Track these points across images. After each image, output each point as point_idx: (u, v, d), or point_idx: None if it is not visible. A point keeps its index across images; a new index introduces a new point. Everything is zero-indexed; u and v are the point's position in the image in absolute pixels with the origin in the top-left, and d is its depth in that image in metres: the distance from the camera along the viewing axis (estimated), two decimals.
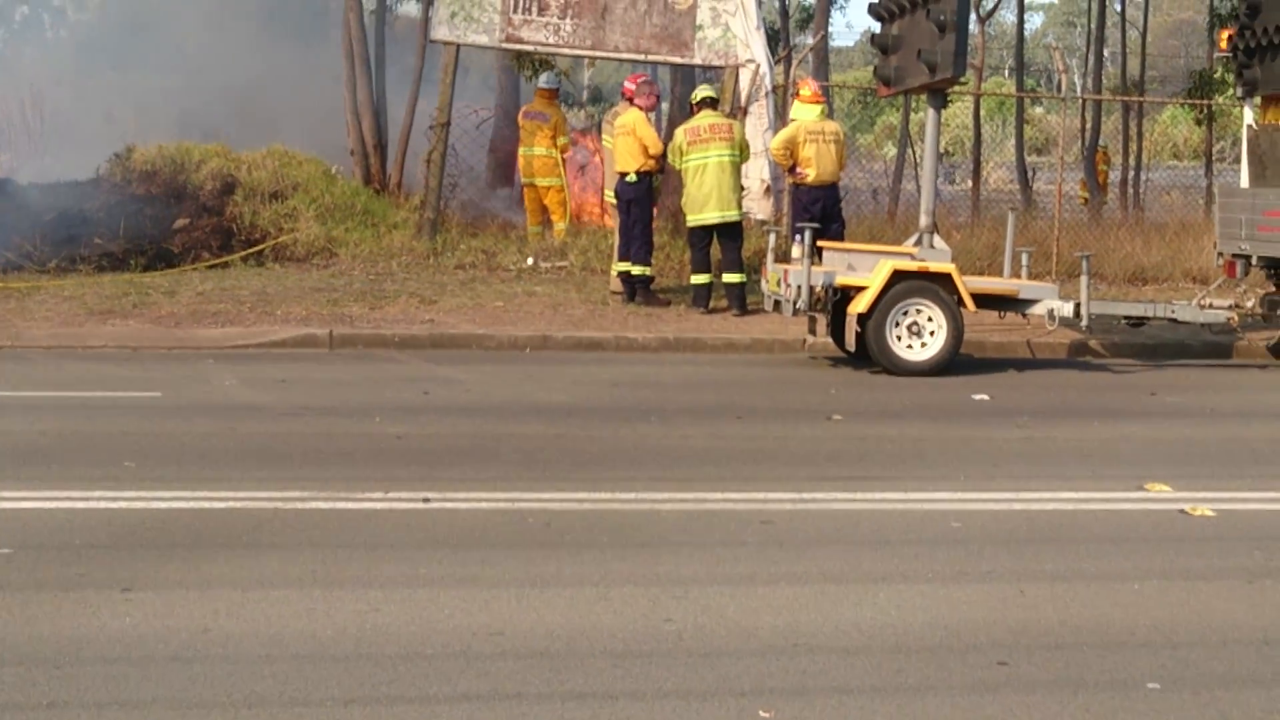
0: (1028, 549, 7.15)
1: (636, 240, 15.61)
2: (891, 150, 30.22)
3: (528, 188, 19.31)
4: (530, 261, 17.93)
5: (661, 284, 16.47)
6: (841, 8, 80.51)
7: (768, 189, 17.28)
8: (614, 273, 16.16)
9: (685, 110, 17.22)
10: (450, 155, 19.47)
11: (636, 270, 15.66)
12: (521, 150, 19.40)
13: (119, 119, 25.27)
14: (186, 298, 15.22)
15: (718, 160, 15.12)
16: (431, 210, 18.55)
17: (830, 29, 40.12)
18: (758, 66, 17.74)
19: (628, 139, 15.52)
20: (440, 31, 18.01)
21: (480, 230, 19.43)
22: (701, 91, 15.92)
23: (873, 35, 14.44)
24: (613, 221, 16.70)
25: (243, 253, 17.93)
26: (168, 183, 19.29)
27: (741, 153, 15.45)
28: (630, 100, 16.05)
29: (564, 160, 19.33)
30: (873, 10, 14.14)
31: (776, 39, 31.27)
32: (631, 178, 15.49)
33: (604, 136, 16.98)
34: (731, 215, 15.29)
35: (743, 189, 15.83)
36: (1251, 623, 6.14)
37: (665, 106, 24.93)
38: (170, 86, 26.62)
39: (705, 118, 15.35)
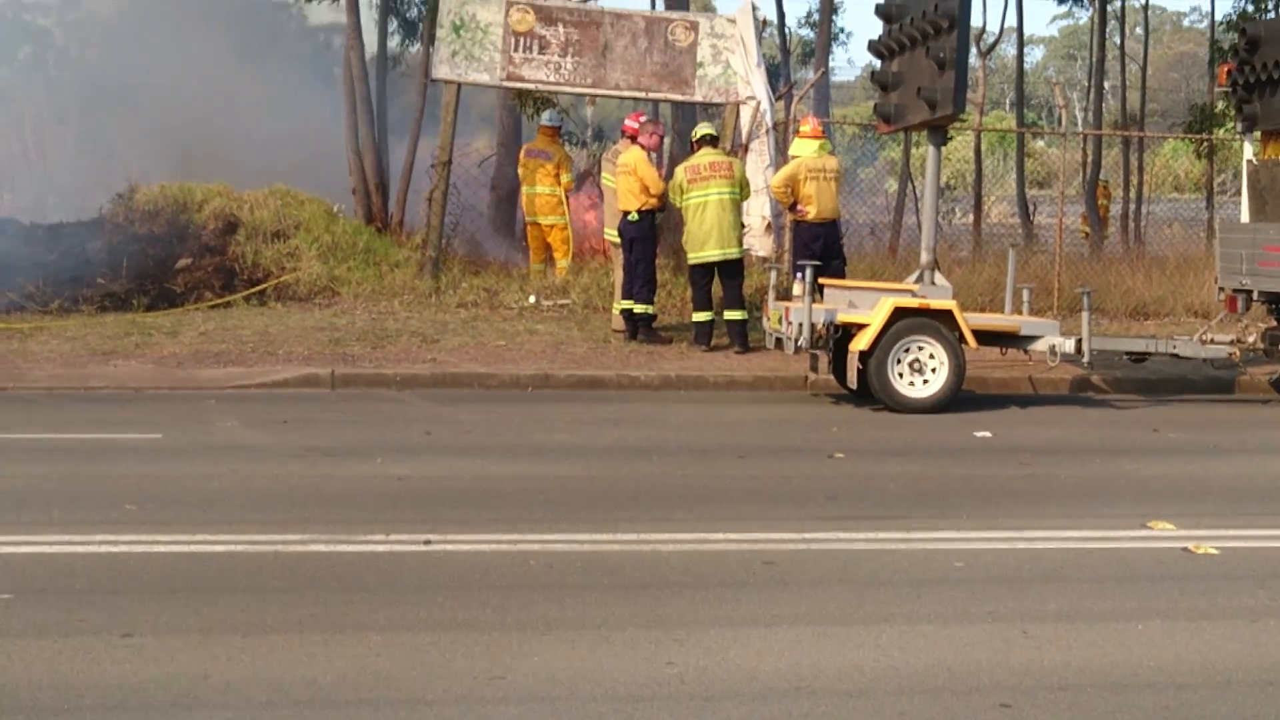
0: (1031, 589, 7.13)
1: (639, 279, 15.64)
2: (894, 184, 30.24)
3: (531, 226, 19.28)
4: (532, 300, 17.96)
5: (663, 321, 16.48)
6: (843, 44, 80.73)
7: (769, 226, 17.29)
8: (616, 310, 16.18)
9: (686, 147, 17.25)
10: (452, 194, 19.51)
11: (639, 308, 15.68)
12: (524, 189, 19.41)
13: (122, 158, 25.35)
14: (189, 338, 15.25)
15: (718, 198, 15.15)
16: (433, 249, 18.58)
17: (832, 64, 40.21)
18: (758, 103, 17.79)
19: (629, 178, 15.56)
20: (441, 70, 18.07)
21: (482, 268, 19.46)
22: (701, 129, 15.96)
23: (873, 72, 14.48)
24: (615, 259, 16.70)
25: (245, 292, 17.96)
26: (170, 222, 19.34)
27: (742, 190, 15.48)
28: (633, 139, 16.08)
29: (568, 197, 19.29)
30: (872, 47, 14.18)
31: (777, 75, 31.35)
32: (633, 216, 15.55)
33: (604, 175, 17.00)
34: (732, 253, 15.31)
35: (744, 226, 15.86)
36: (1255, 663, 6.12)
37: (666, 142, 25.00)
38: (172, 125, 26.70)
39: (705, 155, 15.39)
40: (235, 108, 27.11)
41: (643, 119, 16.75)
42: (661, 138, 16.91)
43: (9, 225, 20.21)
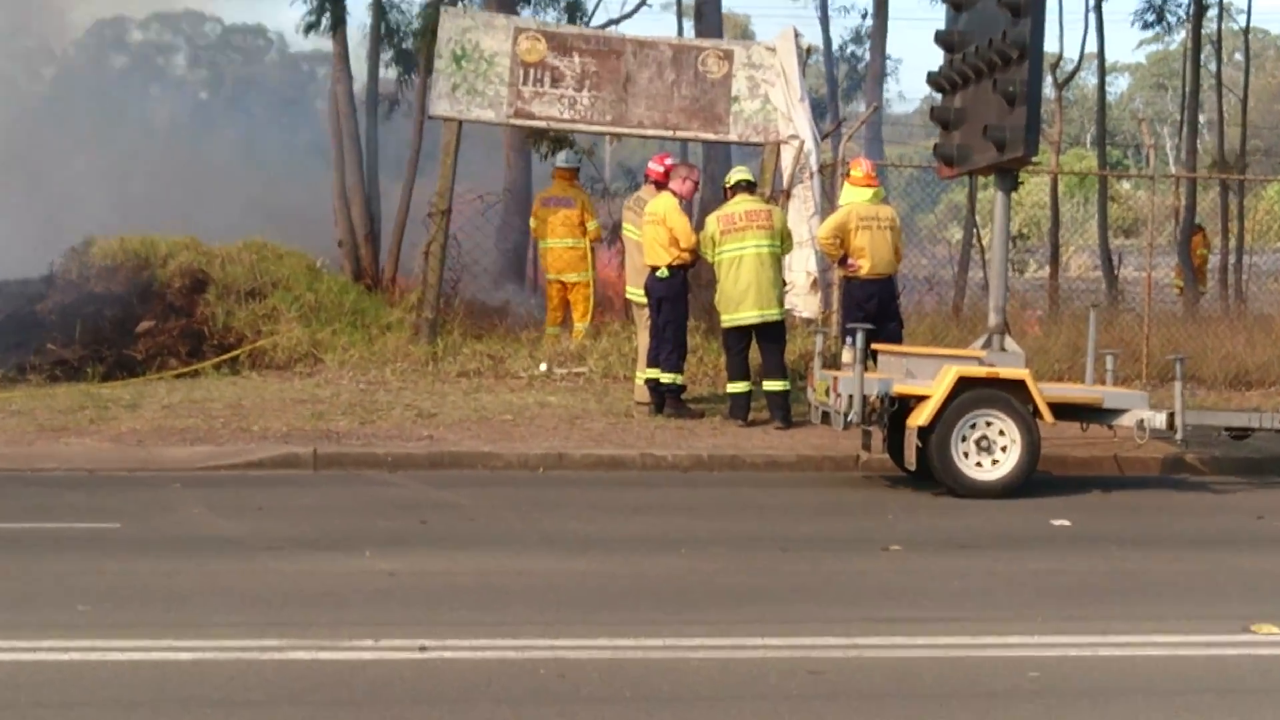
0: (1116, 702, 7.12)
1: (667, 343, 15.60)
2: (957, 233, 30.30)
3: (552, 284, 19.24)
4: (544, 367, 18.01)
5: (694, 393, 16.53)
6: (892, 73, 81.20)
7: (814, 283, 17.36)
8: (639, 380, 16.22)
9: (720, 194, 17.32)
10: (452, 246, 19.62)
11: (666, 378, 15.67)
12: (540, 244, 19.41)
13: (76, 206, 25.57)
14: (151, 412, 15.34)
15: (755, 251, 15.20)
16: (430, 309, 18.67)
17: (885, 97, 40.37)
18: (802, 143, 17.89)
19: (657, 228, 15.55)
20: (440, 106, 18.23)
21: (486, 332, 19.53)
22: (737, 174, 15.98)
23: (932, 107, 14.56)
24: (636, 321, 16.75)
25: (215, 359, 18.09)
26: (131, 279, 19.46)
27: (783, 243, 15.51)
28: (658, 184, 16.09)
29: (594, 249, 19.19)
30: (932, 80, 14.27)
31: (824, 110, 31.52)
32: (663, 273, 15.52)
33: (626, 225, 16.97)
34: (772, 314, 15.32)
35: (785, 283, 15.88)
36: None
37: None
38: (135, 170, 26.94)
39: (741, 203, 15.45)
40: (205, 149, 27.37)
41: (669, 160, 16.79)
42: (696, 184, 16.77)
43: None
